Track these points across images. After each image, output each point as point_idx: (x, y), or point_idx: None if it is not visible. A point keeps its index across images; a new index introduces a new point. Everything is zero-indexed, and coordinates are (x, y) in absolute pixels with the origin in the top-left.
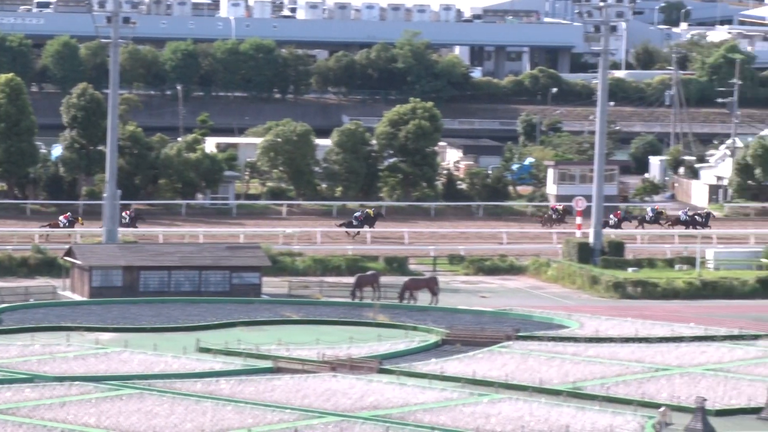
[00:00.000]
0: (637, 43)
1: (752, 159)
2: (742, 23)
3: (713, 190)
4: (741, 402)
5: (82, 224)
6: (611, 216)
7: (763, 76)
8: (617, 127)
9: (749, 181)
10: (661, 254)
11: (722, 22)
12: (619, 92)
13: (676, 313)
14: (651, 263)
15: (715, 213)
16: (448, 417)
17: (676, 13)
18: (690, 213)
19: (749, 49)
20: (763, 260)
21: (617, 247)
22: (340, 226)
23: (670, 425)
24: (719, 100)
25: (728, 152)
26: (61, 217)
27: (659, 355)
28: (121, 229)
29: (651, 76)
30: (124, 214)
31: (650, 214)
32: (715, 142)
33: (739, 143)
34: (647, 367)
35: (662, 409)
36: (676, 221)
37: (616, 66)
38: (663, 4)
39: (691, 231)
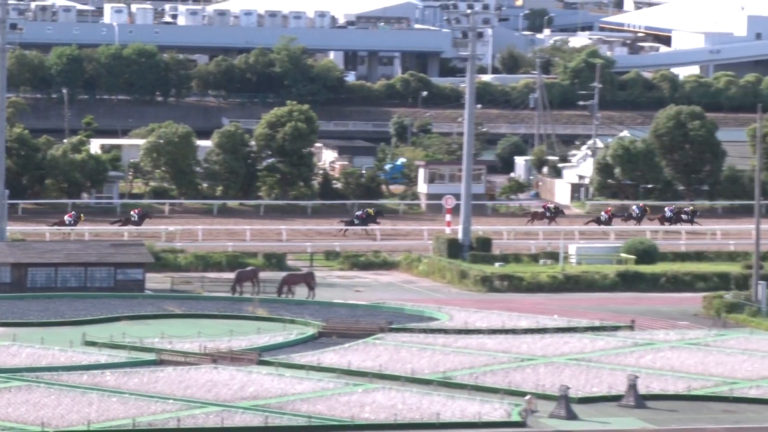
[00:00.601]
0: (502, 48)
1: (612, 159)
2: (602, 29)
3: (575, 188)
4: (602, 390)
5: (83, 221)
6: (602, 213)
7: (622, 79)
8: (484, 129)
9: (609, 180)
10: (526, 250)
11: (583, 29)
12: (485, 95)
13: (540, 305)
14: (517, 258)
15: (577, 210)
16: (324, 406)
17: (539, 20)
18: (675, 210)
19: (609, 54)
20: (623, 255)
21: (485, 243)
22: (342, 223)
23: (535, 412)
24: (581, 102)
25: (589, 152)
26: (66, 216)
27: (525, 346)
28: (130, 228)
29: (516, 80)
30: (132, 212)
31: (636, 211)
32: (577, 142)
33: (600, 144)
34: (513, 357)
35: (528, 397)
36: (662, 218)
37: (483, 70)
38: (527, 11)
39: (555, 227)
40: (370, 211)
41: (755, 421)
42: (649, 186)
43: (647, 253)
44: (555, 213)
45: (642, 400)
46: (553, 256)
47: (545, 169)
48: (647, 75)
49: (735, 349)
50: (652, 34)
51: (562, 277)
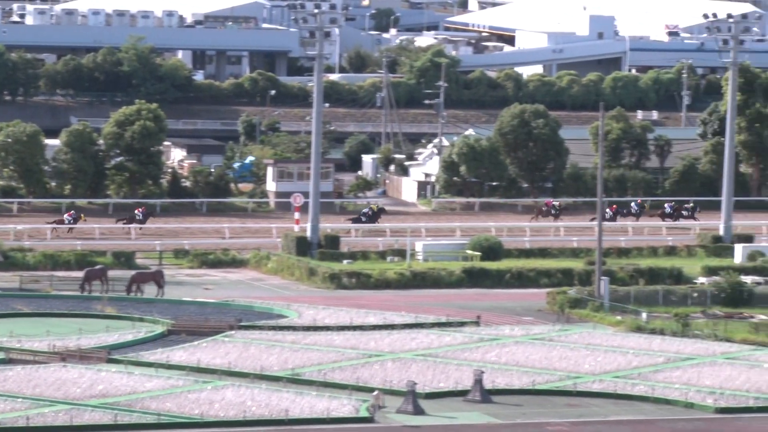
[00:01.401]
0: (349, 47)
1: (457, 157)
2: (447, 29)
3: (422, 186)
4: (449, 385)
5: (85, 221)
6: (607, 210)
7: (467, 79)
8: (332, 127)
9: (455, 178)
10: (374, 247)
11: (429, 28)
12: (333, 94)
13: (388, 302)
14: (365, 255)
15: (424, 208)
16: (173, 403)
17: (386, 20)
18: (674, 206)
19: (454, 53)
20: (469, 252)
21: (333, 241)
22: (349, 222)
23: (383, 408)
24: (427, 101)
25: (435, 151)
26: (65, 215)
27: (373, 342)
28: (136, 225)
29: (363, 79)
30: (137, 211)
31: (635, 207)
32: (423, 141)
33: (446, 142)
34: (361, 354)
35: (375, 392)
36: (662, 214)
37: (330, 69)
38: (373, 11)
39: (401, 224)
40: (374, 207)
41: (598, 414)
42: (494, 183)
43: (492, 250)
44: (559, 211)
45: (488, 395)
46: (401, 253)
47: (392, 167)
48: (492, 74)
49: (578, 343)
50: (496, 34)
51: (409, 274)
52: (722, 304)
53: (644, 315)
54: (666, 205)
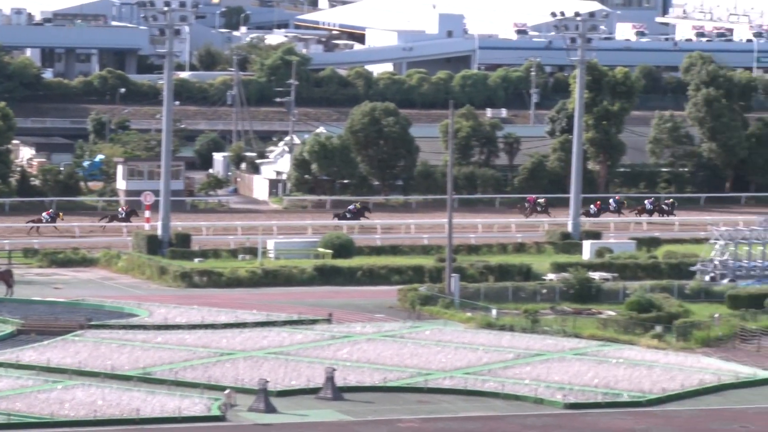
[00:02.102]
0: (200, 45)
1: (309, 155)
2: (297, 27)
3: (273, 184)
4: (301, 383)
5: (63, 219)
6: (591, 206)
7: (317, 77)
8: (183, 126)
9: (306, 176)
10: (225, 245)
11: (279, 26)
12: (184, 92)
13: (240, 300)
14: (216, 254)
15: (275, 206)
16: (23, 403)
17: (236, 17)
18: (654, 202)
19: (304, 51)
20: (320, 249)
21: (184, 239)
22: (335, 218)
23: (235, 406)
24: (278, 99)
25: (286, 148)
26: (44, 213)
27: (224, 341)
28: (118, 224)
29: (214, 76)
30: (120, 209)
31: (613, 204)
32: (275, 139)
33: (297, 140)
34: (213, 352)
35: (227, 391)
36: (641, 210)
37: (180, 67)
38: (224, 9)
39: (253, 222)
40: (357, 204)
41: (449, 411)
42: (345, 181)
43: (344, 248)
44: (545, 207)
45: (339, 393)
46: (252, 251)
47: (243, 166)
48: (342, 72)
49: (429, 340)
50: (347, 32)
51: (260, 272)
52: (571, 301)
53: (494, 311)
54: (646, 201)
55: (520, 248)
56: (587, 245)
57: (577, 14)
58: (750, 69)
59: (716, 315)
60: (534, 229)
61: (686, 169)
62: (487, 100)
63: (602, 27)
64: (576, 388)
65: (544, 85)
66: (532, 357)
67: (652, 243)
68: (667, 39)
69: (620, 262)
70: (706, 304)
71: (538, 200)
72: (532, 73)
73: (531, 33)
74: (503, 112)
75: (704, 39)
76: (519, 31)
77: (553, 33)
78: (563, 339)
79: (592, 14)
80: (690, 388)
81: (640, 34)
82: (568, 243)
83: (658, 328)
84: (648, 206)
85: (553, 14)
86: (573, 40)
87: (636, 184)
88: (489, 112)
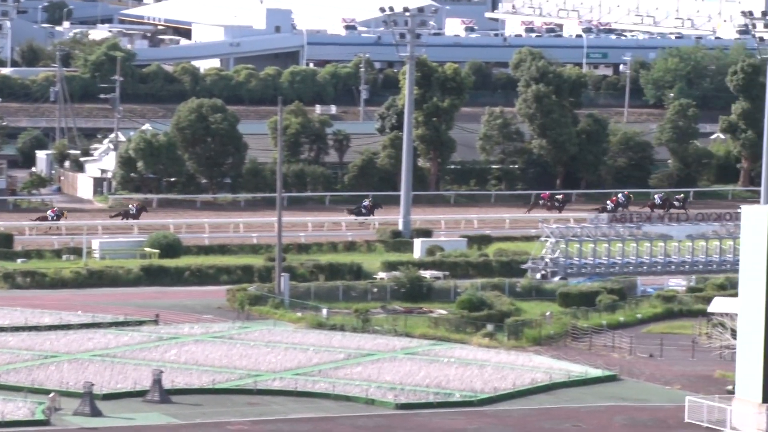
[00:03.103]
0: (22, 41)
1: (134, 152)
2: (122, 22)
3: (98, 182)
4: (127, 385)
5: (66, 217)
6: (608, 202)
7: (143, 72)
8: (4, 123)
9: (132, 174)
10: (49, 246)
11: (103, 21)
12: (5, 89)
13: (64, 301)
14: (39, 254)
15: (100, 205)
16: None
17: (59, 12)
18: (664, 197)
19: (129, 47)
20: (147, 249)
21: (6, 240)
22: (350, 213)
23: (60, 410)
24: (102, 95)
25: (111, 146)
26: (49, 212)
27: (48, 343)
28: (129, 221)
29: (36, 72)
30: (130, 206)
31: (622, 198)
32: (99, 136)
33: (122, 137)
34: (37, 355)
35: (52, 395)
36: (652, 205)
37: (2, 63)
38: (46, 4)
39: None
40: (371, 200)
41: (279, 413)
42: (172, 180)
43: (171, 247)
44: (563, 204)
45: (167, 395)
46: (77, 251)
47: (67, 164)
48: (168, 68)
49: (258, 341)
50: (173, 27)
51: (85, 272)
52: (402, 299)
53: (325, 311)
54: (656, 195)
55: (351, 247)
56: (418, 243)
57: (406, 10)
58: (580, 65)
59: (548, 313)
60: (365, 227)
61: (517, 166)
62: (316, 96)
63: (431, 22)
64: (407, 388)
65: (373, 81)
66: (363, 357)
67: (483, 241)
68: (496, 35)
69: (451, 260)
70: (537, 302)
71: (556, 196)
72: (362, 69)
73: (360, 29)
74: (333, 109)
75: (534, 34)
76: (348, 27)
77: (382, 28)
78: (394, 338)
79: (421, 10)
80: (522, 387)
81: (470, 29)
82: (399, 241)
83: (490, 327)
84: (657, 200)
85: (382, 10)
86: (402, 35)
87: (467, 182)
88: (318, 108)
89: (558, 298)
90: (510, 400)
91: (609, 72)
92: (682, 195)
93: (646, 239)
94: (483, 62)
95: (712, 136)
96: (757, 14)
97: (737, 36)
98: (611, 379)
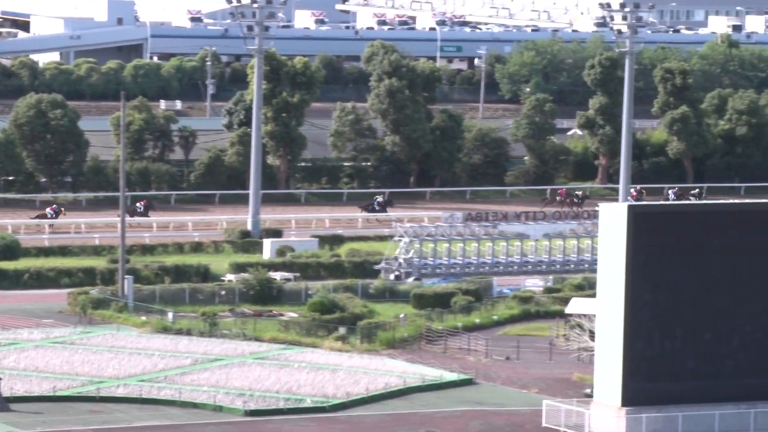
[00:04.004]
0: None
1: None
2: None
3: None
4: None
5: (65, 215)
6: (630, 198)
7: None
8: None
9: None
10: None
11: None
12: None
13: None
14: None
15: None
16: None
17: None
18: (678, 192)
19: None
20: None
21: None
22: (363, 210)
23: None
24: None
25: None
26: (48, 209)
27: None
28: (136, 219)
29: None
30: (138, 204)
31: (634, 194)
32: None
33: None
34: None
35: None
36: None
37: None
38: None
39: None
40: (383, 196)
41: (123, 420)
42: (10, 178)
43: (9, 249)
44: (582, 200)
45: (6, 403)
46: None
47: None
48: (5, 62)
49: (101, 346)
50: (10, 19)
51: None
52: (251, 302)
53: (170, 315)
54: (670, 191)
55: (198, 248)
56: (268, 244)
57: (254, 1)
58: (433, 58)
59: (401, 315)
60: (212, 227)
61: (369, 163)
62: (160, 91)
63: (280, 14)
64: (257, 394)
65: (220, 75)
66: (210, 362)
67: (335, 241)
68: (347, 27)
69: (302, 261)
70: (391, 304)
71: (575, 192)
72: (208, 63)
73: (206, 21)
74: (178, 104)
75: (386, 27)
76: (193, 19)
77: (229, 21)
78: (243, 343)
79: (269, 1)
80: (375, 392)
81: (320, 22)
82: (247, 242)
83: (342, 330)
84: (672, 196)
85: (229, 1)
86: (250, 28)
87: (318, 180)
88: (163, 104)
89: (412, 300)
90: (363, 405)
91: (464, 66)
92: (697, 190)
93: (502, 238)
94: (334, 56)
95: (569, 132)
96: (615, 6)
97: (595, 29)
98: (467, 383)
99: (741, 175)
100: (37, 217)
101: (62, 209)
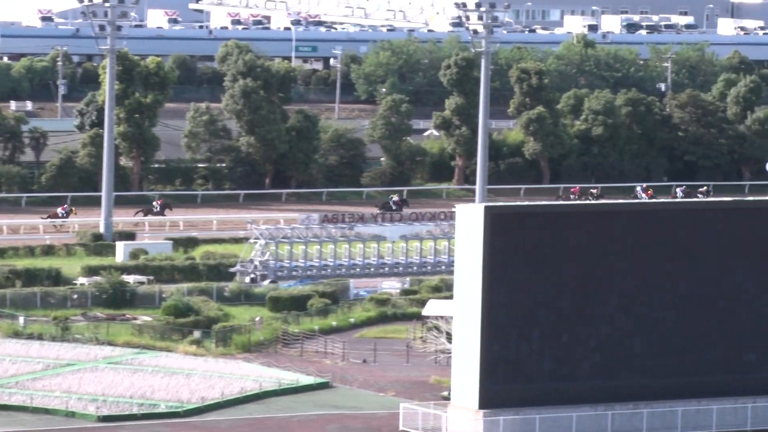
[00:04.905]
0: None
1: None
2: None
3: None
4: None
5: (76, 214)
6: (645, 196)
7: None
8: None
9: None
10: None
11: None
12: None
13: None
14: None
15: None
16: None
17: None
18: (686, 191)
19: None
20: None
21: None
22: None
23: None
24: None
25: None
26: (59, 209)
27: None
28: (152, 218)
29: None
30: (154, 203)
31: (640, 192)
32: None
33: None
34: None
35: None
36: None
37: None
38: None
39: None
40: (398, 195)
41: None
42: None
43: None
44: (597, 197)
45: None
46: None
47: None
48: None
49: None
50: None
51: None
52: (104, 306)
53: (21, 319)
54: (678, 189)
55: (49, 251)
56: (121, 246)
57: (105, 0)
58: (289, 58)
59: (257, 318)
60: (64, 230)
61: (224, 165)
62: (10, 92)
63: (133, 14)
64: (110, 400)
65: (72, 75)
66: (62, 367)
67: (190, 243)
68: (201, 27)
69: (156, 263)
70: (246, 307)
71: (591, 190)
72: (59, 63)
73: (57, 20)
74: (29, 105)
75: (240, 27)
76: (44, 18)
77: (80, 20)
78: (96, 347)
79: (121, 0)
80: (230, 397)
81: (173, 21)
82: (100, 244)
83: (197, 334)
84: (680, 194)
85: (81, 0)
86: (102, 27)
87: (172, 181)
88: (13, 104)
89: (268, 303)
90: (218, 410)
91: (319, 66)
92: (705, 188)
93: (358, 240)
94: (187, 56)
95: (426, 133)
96: (471, 6)
97: (451, 29)
98: (323, 386)
99: (597, 175)
100: (49, 216)
101: (73, 209)
